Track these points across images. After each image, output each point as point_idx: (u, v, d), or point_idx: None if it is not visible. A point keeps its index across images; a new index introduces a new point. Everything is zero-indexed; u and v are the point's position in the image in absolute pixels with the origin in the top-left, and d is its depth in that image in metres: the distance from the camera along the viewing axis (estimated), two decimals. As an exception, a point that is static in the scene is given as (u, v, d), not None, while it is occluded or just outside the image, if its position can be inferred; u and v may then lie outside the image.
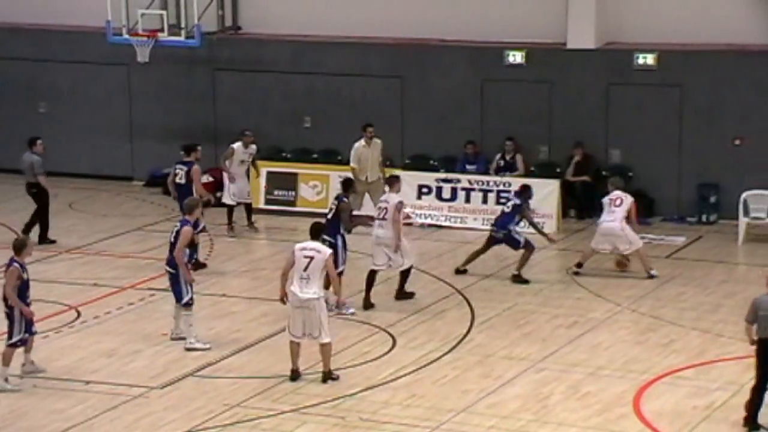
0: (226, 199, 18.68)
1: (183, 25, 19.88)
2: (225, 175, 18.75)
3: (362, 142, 18.45)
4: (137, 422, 11.86)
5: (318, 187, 19.87)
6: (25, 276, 12.66)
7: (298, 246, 12.66)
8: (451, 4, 20.16)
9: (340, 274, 14.35)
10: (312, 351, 13.06)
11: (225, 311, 15.22)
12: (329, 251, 12.62)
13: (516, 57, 19.82)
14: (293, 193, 19.93)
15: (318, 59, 20.81)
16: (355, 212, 15.79)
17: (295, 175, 19.94)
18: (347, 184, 15.46)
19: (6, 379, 12.60)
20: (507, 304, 15.30)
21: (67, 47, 21.70)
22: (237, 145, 18.61)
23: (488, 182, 19.11)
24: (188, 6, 19.82)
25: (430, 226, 19.17)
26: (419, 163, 19.86)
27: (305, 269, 12.45)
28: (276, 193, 19.96)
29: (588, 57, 19.48)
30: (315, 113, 20.96)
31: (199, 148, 17.38)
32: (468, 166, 19.69)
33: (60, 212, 19.99)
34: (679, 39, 19.24)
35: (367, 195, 18.59)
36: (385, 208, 15.17)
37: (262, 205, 19.95)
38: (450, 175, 19.39)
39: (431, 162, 20.15)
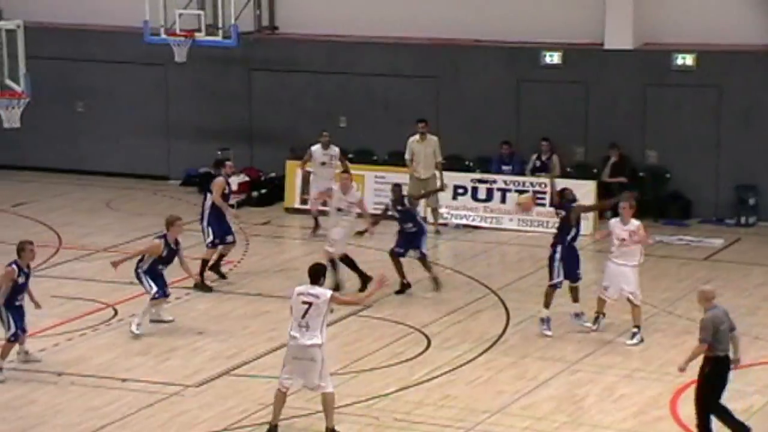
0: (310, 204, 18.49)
1: (220, 25, 19.95)
2: (307, 178, 18.45)
3: (416, 137, 18.49)
4: (172, 420, 11.90)
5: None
6: (20, 279, 12.75)
7: (297, 289, 11.39)
8: (486, 3, 20.10)
9: (555, 287, 13.87)
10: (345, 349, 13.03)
11: (259, 310, 15.25)
12: (329, 293, 11.36)
13: (552, 57, 19.73)
14: (328, 192, 19.92)
15: (353, 59, 20.82)
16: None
17: (330, 174, 19.92)
18: (564, 194, 14.20)
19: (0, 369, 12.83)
20: (542, 305, 15.21)
21: (104, 47, 21.84)
22: (315, 148, 18.27)
23: (524, 183, 19.04)
24: (225, 6, 19.89)
25: (465, 226, 19.13)
26: (454, 164, 19.81)
27: (303, 316, 11.21)
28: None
29: (625, 57, 19.36)
30: (350, 113, 20.97)
31: (229, 162, 16.69)
32: (503, 167, 19.62)
33: (96, 211, 20.13)
34: (717, 40, 19.07)
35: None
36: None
37: (297, 205, 20.01)
38: (485, 176, 19.33)
39: (466, 162, 20.10)
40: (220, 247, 16.07)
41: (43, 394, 12.52)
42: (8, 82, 16.24)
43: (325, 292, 11.39)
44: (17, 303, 12.85)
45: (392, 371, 13.11)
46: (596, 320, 14.25)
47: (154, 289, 14.10)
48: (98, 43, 21.88)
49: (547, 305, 14.12)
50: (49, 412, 12.09)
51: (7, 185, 21.60)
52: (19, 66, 16.18)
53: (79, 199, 20.83)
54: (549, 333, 14.05)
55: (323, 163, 18.22)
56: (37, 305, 13.19)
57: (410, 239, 15.63)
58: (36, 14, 20.59)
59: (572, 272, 14.14)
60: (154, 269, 14.18)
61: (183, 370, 13.13)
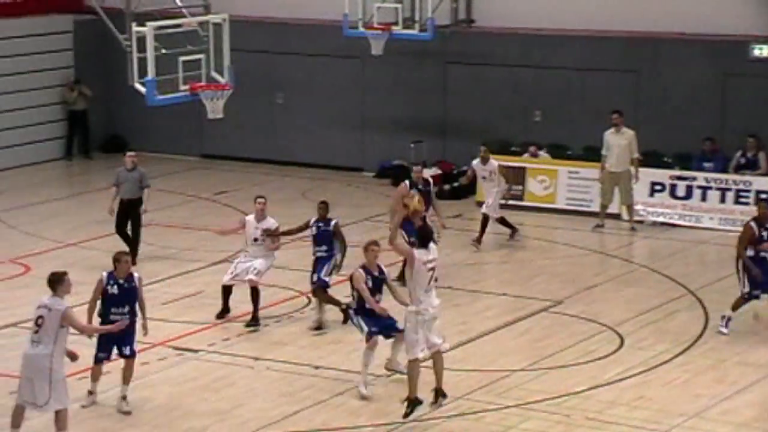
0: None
1: (417, 19, 20.06)
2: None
3: (611, 129, 18.13)
4: (362, 409, 12.01)
5: (546, 182, 19.66)
6: (111, 290, 11.69)
7: (419, 254, 11.28)
8: (690, -5, 19.51)
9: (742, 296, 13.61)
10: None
11: (450, 303, 15.19)
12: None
13: (762, 50, 18.95)
14: (521, 187, 19.78)
15: (549, 53, 20.56)
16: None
17: (523, 169, 19.80)
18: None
19: (90, 392, 11.96)
20: (743, 307, 14.61)
21: (305, 40, 22.30)
22: (475, 162, 17.61)
23: (726, 181, 18.37)
24: (423, 0, 19.98)
25: (662, 224, 18.60)
26: (652, 160, 19.29)
27: (429, 282, 11.37)
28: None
29: (842, 50, 18.39)
30: (545, 107, 20.72)
31: (416, 167, 16.16)
32: (705, 164, 18.98)
33: (293, 201, 20.58)
34: None
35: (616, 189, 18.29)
36: None
37: (489, 199, 19.92)
38: (685, 173, 18.75)
39: (665, 159, 19.55)
40: None
41: (241, 377, 12.88)
42: (213, 74, 16.74)
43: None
44: (111, 317, 11.66)
45: (584, 369, 12.87)
46: None
47: (365, 328, 12.32)
48: (299, 37, 22.36)
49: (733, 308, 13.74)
50: (246, 395, 12.42)
51: (211, 174, 22.37)
52: (224, 59, 16.66)
53: (277, 189, 21.33)
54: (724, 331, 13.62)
55: (483, 178, 17.47)
56: (144, 329, 11.87)
57: (322, 264, 14.08)
58: (241, 8, 21.18)
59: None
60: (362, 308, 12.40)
61: (374, 360, 13.22)
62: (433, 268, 11.37)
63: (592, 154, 19.17)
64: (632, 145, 18.21)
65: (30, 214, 19.46)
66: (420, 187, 15.72)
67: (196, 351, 13.51)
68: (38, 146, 22.92)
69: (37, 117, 22.89)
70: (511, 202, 19.61)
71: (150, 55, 15.75)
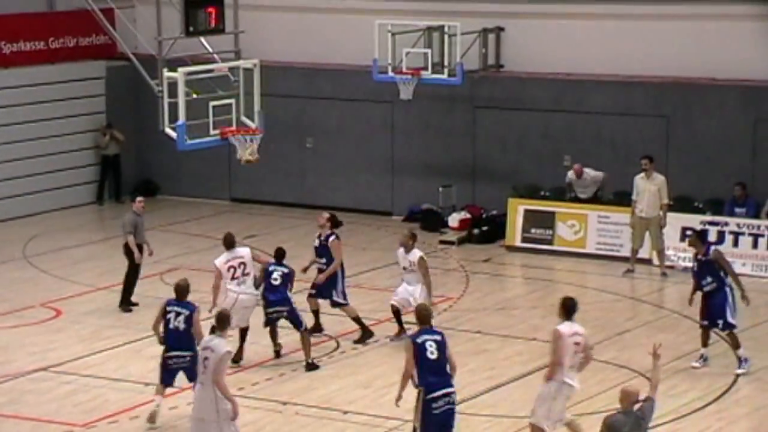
0: None
1: (446, 64, 20.15)
2: None
3: (641, 174, 18.10)
4: (391, 454, 11.95)
5: (575, 226, 19.60)
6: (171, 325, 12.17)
7: (564, 328, 11.05)
8: (721, 41, 19.45)
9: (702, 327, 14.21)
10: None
11: (479, 348, 15.16)
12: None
13: (793, 96, 18.90)
14: (550, 231, 19.73)
15: (579, 98, 20.57)
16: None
17: (552, 213, 19.76)
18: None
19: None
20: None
21: (334, 85, 22.44)
22: (399, 251, 15.37)
23: (759, 226, 18.23)
24: (452, 45, 20.08)
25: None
26: (683, 205, 19.20)
27: (573, 356, 11.08)
28: (533, 231, 19.85)
29: None
30: (575, 152, 20.69)
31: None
32: (736, 209, 18.87)
33: (322, 245, 20.58)
34: None
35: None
36: None
37: (518, 243, 19.87)
38: (716, 218, 18.63)
39: (696, 204, 19.45)
40: None
41: (270, 422, 12.83)
42: (243, 119, 16.85)
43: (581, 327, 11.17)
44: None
45: (616, 417, 12.71)
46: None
47: None
48: (329, 81, 22.49)
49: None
50: (273, 440, 12.39)
51: (242, 218, 22.42)
52: (254, 103, 16.78)
53: (306, 233, 21.28)
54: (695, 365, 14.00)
55: (404, 268, 15.26)
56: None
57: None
58: (271, 54, 21.36)
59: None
60: None
61: (403, 405, 13.11)
62: (578, 343, 11.04)
63: (623, 198, 19.11)
64: (662, 190, 18.14)
65: (61, 258, 19.59)
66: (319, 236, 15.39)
67: (224, 395, 13.46)
68: (70, 191, 23.11)
69: (70, 162, 23.11)
70: (541, 246, 19.63)
71: (181, 100, 15.89)
